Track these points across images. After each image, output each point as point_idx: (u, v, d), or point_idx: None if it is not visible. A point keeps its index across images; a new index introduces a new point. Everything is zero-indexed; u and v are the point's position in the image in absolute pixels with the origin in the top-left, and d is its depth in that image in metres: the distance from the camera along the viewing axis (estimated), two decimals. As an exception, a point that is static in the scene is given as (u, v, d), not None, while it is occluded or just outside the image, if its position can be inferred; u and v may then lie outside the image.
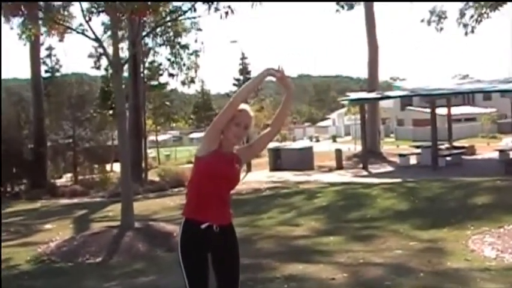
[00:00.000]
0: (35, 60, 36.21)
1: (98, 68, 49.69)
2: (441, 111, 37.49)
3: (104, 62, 47.30)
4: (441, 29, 37.00)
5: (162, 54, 64.03)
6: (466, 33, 34.88)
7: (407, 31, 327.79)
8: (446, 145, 34.28)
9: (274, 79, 4.61)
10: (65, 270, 10.42)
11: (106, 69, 47.77)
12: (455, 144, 36.56)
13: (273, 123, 4.88)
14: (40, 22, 18.57)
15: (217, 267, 4.65)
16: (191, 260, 4.55)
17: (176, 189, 27.07)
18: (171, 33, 38.17)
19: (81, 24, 23.96)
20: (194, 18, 33.75)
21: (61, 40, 23.25)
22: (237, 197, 18.32)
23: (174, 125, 63.35)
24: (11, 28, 26.46)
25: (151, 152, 59.11)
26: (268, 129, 4.90)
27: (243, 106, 4.62)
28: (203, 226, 4.50)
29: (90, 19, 15.94)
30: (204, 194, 4.55)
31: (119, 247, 11.48)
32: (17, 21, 21.16)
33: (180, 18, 23.20)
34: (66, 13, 21.33)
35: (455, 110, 45.60)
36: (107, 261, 10.75)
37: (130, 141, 21.21)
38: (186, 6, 17.16)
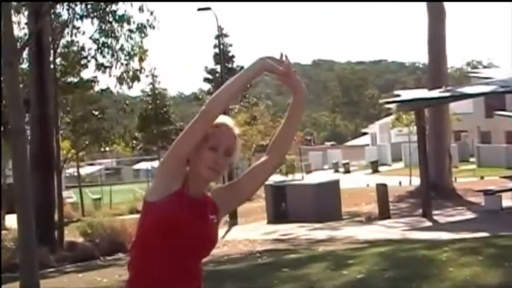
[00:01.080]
0: None
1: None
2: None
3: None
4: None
5: (86, 33, 63.54)
6: None
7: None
8: None
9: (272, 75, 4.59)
10: None
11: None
12: None
13: (272, 150, 4.84)
14: None
15: None
16: None
17: (111, 257, 27.07)
18: (99, -3, 38.07)
19: None
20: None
21: None
22: (213, 267, 18.32)
23: (107, 149, 63.17)
24: None
25: (70, 196, 59.21)
26: (264, 158, 4.87)
27: (222, 119, 4.59)
28: None
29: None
30: (160, 264, 4.51)
31: None
32: None
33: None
34: None
35: None
36: None
37: (34, 178, 21.27)
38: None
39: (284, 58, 4.47)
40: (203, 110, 4.36)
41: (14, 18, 18.72)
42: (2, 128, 32.78)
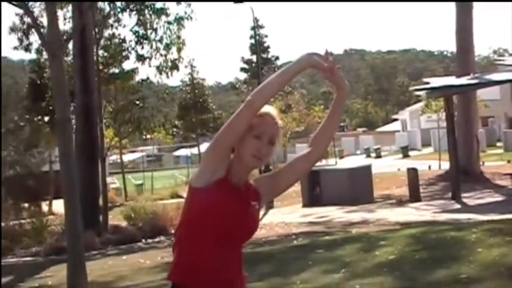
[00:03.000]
0: None
1: (27, 49, 49.80)
2: None
3: (35, 39, 47.50)
4: None
5: (126, 26, 63.63)
6: None
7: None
8: None
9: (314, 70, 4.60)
10: None
11: (38, 51, 47.94)
12: None
13: (315, 143, 4.86)
14: None
15: None
16: None
17: (153, 240, 27.11)
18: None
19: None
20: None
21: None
22: (252, 249, 18.32)
23: (148, 136, 63.28)
24: None
25: (114, 182, 59.36)
26: (304, 152, 4.88)
27: (266, 109, 4.60)
28: None
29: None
30: (203, 247, 4.54)
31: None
32: None
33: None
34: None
35: None
36: None
37: (79, 165, 21.36)
38: None
39: (329, 55, 4.47)
40: (248, 100, 4.38)
41: (59, 13, 18.74)
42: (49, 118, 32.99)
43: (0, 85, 35.52)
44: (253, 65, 79.69)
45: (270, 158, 4.78)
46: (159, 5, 37.21)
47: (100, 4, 36.23)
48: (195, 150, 72.47)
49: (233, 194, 4.49)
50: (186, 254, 4.57)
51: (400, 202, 32.60)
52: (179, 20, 37.25)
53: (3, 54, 73.00)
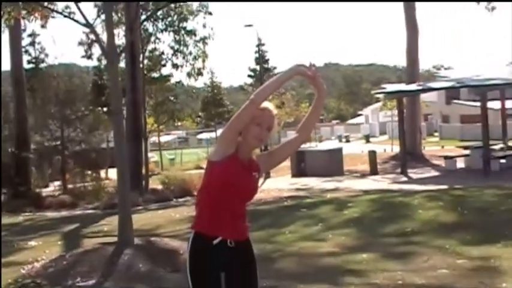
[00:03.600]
0: (16, 49, 36.17)
1: (90, 57, 49.69)
2: (494, 105, 37.27)
3: (97, 50, 47.44)
4: (493, 8, 36.97)
5: (165, 42, 63.91)
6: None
7: (453, 13, 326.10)
8: (501, 145, 34.04)
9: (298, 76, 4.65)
10: (53, 294, 10.45)
11: (99, 59, 47.90)
12: (511, 144, 36.15)
13: (301, 130, 4.94)
14: (20, 4, 18.79)
15: (231, 285, 4.66)
16: (202, 280, 4.58)
17: (182, 199, 27.12)
18: (175, 17, 38.22)
19: (67, 7, 23.87)
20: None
21: (43, 26, 23.34)
22: (253, 207, 18.30)
23: (179, 123, 63.26)
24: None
25: (153, 156, 59.25)
26: (293, 137, 4.96)
27: (265, 104, 4.65)
28: (216, 241, 4.55)
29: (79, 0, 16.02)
30: (218, 205, 4.58)
31: (116, 267, 11.50)
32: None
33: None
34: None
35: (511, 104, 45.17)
36: (101, 284, 10.76)
37: (128, 144, 21.34)
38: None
39: (312, 66, 4.60)
40: (252, 99, 4.48)
41: (115, 31, 18.77)
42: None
43: (0, 91, 35.38)
44: (257, 73, 79.41)
45: (268, 140, 4.85)
46: (189, 27, 37.71)
47: (145, 24, 36.44)
48: (213, 134, 72.48)
49: (240, 166, 4.56)
50: (205, 209, 4.62)
51: (363, 175, 32.65)
52: (204, 39, 37.77)
53: (73, 61, 72.43)
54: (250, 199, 4.76)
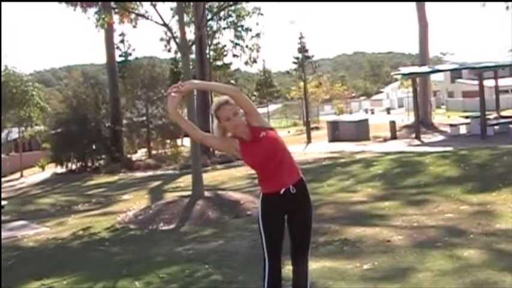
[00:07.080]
0: (110, 46, 36.81)
1: (169, 51, 49.84)
2: (489, 83, 36.70)
3: (173, 45, 47.61)
4: (483, 4, 36.87)
5: (226, 37, 64.06)
6: (507, 8, 34.74)
7: (457, 8, 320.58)
8: (494, 115, 33.65)
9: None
10: (141, 236, 10.60)
11: (175, 52, 48.08)
12: (503, 114, 35.82)
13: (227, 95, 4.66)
14: (113, 11, 19.02)
15: (291, 222, 4.67)
16: (271, 225, 4.59)
17: (242, 161, 27.19)
18: (234, 17, 38.25)
19: (146, 11, 24.23)
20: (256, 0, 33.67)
21: (135, 26, 23.63)
22: (298, 166, 18.29)
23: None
24: (88, 18, 26.98)
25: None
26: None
27: (216, 104, 4.56)
28: (282, 191, 4.53)
29: (154, 6, 16.09)
30: (266, 172, 4.58)
31: (191, 215, 11.61)
32: (92, 11, 21.78)
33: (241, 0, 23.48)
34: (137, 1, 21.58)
35: (503, 82, 44.45)
36: (179, 228, 10.89)
37: (198, 117, 21.43)
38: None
39: (180, 86, 4.49)
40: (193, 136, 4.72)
41: (186, 29, 18.85)
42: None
43: (0, 90, 35.47)
44: (299, 59, 79.01)
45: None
46: (246, 25, 38.20)
47: (210, 23, 36.69)
48: (265, 110, 72.46)
49: (249, 145, 4.54)
50: (260, 177, 4.68)
51: (385, 140, 32.41)
52: (258, 34, 38.04)
53: (155, 55, 73.02)
54: (283, 151, 4.63)
